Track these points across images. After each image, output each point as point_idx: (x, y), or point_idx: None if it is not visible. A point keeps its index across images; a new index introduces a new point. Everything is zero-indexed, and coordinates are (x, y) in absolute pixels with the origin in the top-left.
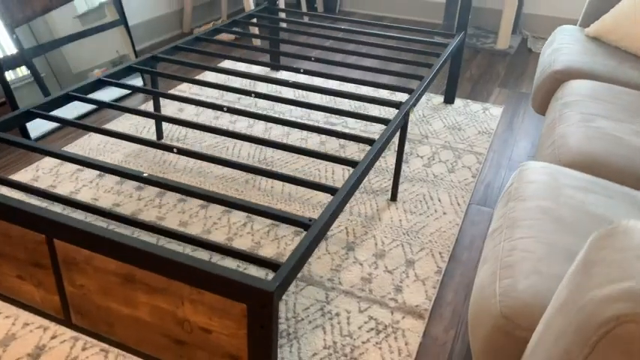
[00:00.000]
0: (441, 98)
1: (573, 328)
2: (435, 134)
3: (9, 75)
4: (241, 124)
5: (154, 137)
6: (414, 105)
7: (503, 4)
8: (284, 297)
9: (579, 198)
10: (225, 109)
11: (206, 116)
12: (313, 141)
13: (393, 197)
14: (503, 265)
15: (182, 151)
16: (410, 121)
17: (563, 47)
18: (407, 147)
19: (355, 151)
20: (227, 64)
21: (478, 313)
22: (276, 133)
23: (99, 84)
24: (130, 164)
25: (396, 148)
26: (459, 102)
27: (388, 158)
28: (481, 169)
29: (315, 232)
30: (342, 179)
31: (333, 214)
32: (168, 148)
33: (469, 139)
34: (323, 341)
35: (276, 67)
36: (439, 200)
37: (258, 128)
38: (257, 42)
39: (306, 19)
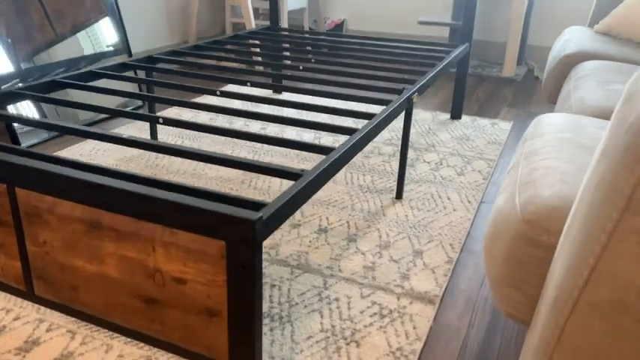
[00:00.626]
0: (447, 115)
1: (619, 156)
2: (442, 143)
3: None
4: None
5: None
6: (419, 93)
7: (508, 35)
8: (276, 282)
9: (602, 134)
10: (218, 92)
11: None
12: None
13: (399, 195)
14: (523, 183)
15: (167, 121)
16: (413, 125)
17: (573, 38)
18: (412, 154)
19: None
20: (230, 87)
21: (495, 233)
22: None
23: (90, 76)
24: (121, 167)
25: (400, 151)
26: (466, 118)
27: (393, 163)
28: (492, 172)
29: (305, 180)
30: (344, 178)
31: (325, 169)
32: (154, 119)
33: (478, 148)
34: (320, 324)
35: (279, 88)
36: (448, 199)
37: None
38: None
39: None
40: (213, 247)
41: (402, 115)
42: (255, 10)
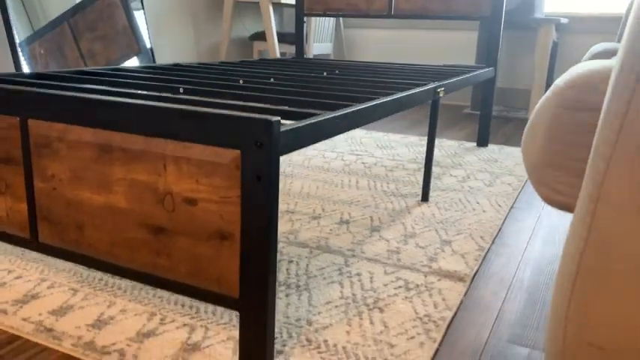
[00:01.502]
0: (473, 144)
1: None
2: (469, 163)
3: None
4: None
5: None
6: (445, 90)
7: (532, 83)
8: (294, 259)
9: None
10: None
11: None
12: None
13: (425, 198)
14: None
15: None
16: (438, 149)
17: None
18: (438, 170)
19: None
20: None
21: (535, 118)
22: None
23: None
24: None
25: (426, 150)
26: (493, 146)
27: (417, 176)
28: (523, 185)
29: (326, 116)
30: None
31: (349, 113)
32: (173, 89)
33: (507, 167)
34: (340, 293)
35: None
36: (477, 203)
37: None
38: None
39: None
40: (227, 157)
41: (424, 145)
42: (282, 55)
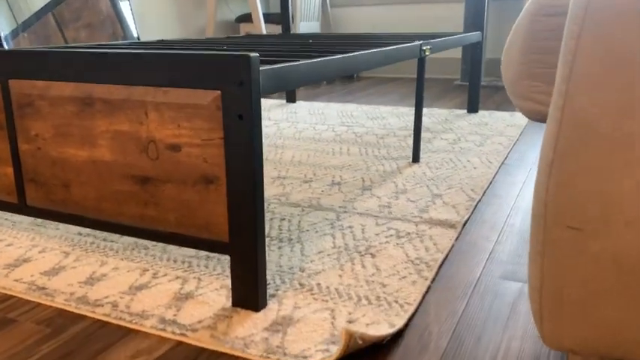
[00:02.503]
0: (464, 111)
1: None
2: (459, 127)
3: None
4: None
5: None
6: (432, 49)
7: None
8: (286, 217)
9: None
10: None
11: None
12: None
13: (415, 158)
14: None
15: None
16: (428, 117)
17: None
18: (429, 135)
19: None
20: None
21: (513, 33)
22: None
23: None
24: None
25: (415, 108)
26: (483, 112)
27: (408, 141)
28: (514, 143)
29: (308, 61)
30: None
31: (331, 60)
32: None
33: (497, 129)
34: (332, 243)
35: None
36: (468, 161)
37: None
38: None
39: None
40: (207, 98)
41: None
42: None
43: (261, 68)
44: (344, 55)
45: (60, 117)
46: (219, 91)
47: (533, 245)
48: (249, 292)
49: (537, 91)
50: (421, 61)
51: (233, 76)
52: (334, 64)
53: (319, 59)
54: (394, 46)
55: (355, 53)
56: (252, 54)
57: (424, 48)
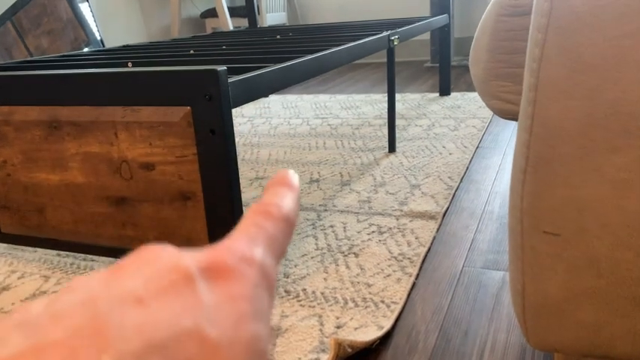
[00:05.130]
0: (436, 94)
1: None
2: (433, 112)
3: None
4: None
5: None
6: (400, 38)
7: None
8: None
9: None
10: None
11: None
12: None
13: (392, 148)
14: None
15: (137, 64)
16: (402, 103)
17: None
18: (403, 122)
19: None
20: None
21: (479, 31)
22: None
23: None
24: None
25: (387, 99)
26: (455, 94)
27: (384, 130)
28: (487, 125)
29: (276, 66)
30: (334, 145)
31: (300, 63)
32: (122, 65)
33: (470, 111)
34: (315, 245)
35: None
36: (444, 147)
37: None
38: None
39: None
40: (177, 114)
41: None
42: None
43: (229, 80)
44: (313, 55)
45: (27, 142)
46: (189, 107)
47: (513, 250)
48: None
49: (506, 91)
50: (390, 51)
51: (202, 91)
52: (303, 66)
53: (288, 63)
54: (362, 40)
55: (324, 53)
56: (220, 67)
57: (392, 38)
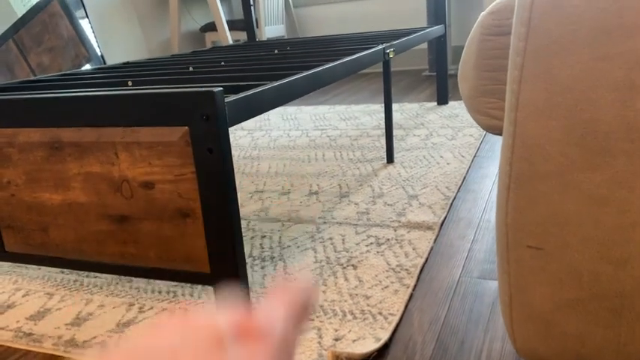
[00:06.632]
0: (434, 103)
1: None
2: (431, 122)
3: None
4: None
5: None
6: (395, 51)
7: None
8: (267, 233)
9: None
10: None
11: None
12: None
13: (390, 159)
14: None
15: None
16: (400, 113)
17: None
18: (401, 132)
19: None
20: None
21: (466, 50)
22: None
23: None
24: None
25: (384, 110)
26: (453, 103)
27: (382, 140)
28: (484, 135)
29: (273, 84)
30: (334, 157)
31: (296, 80)
32: (122, 84)
33: (468, 121)
34: (314, 258)
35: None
36: (441, 157)
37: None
38: None
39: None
40: (176, 134)
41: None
42: (236, 42)
43: (226, 100)
44: (309, 72)
45: (30, 163)
46: (186, 127)
47: (500, 263)
48: None
49: (492, 107)
50: (386, 64)
51: (199, 112)
52: (300, 83)
53: (284, 81)
54: (358, 54)
55: (320, 69)
56: (216, 88)
57: (388, 51)
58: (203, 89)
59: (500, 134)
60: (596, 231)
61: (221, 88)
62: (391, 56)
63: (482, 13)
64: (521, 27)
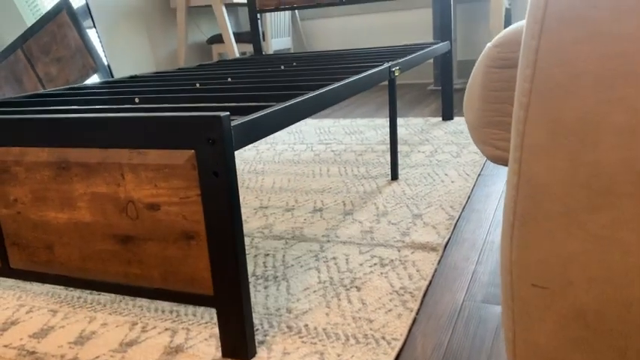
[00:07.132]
0: (439, 119)
1: None
2: (435, 138)
3: None
4: None
5: None
6: (400, 69)
7: None
8: (270, 252)
9: None
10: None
11: None
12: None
13: (394, 176)
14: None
15: (143, 101)
16: (405, 128)
17: None
18: (406, 148)
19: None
20: None
21: (472, 79)
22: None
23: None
24: None
25: (389, 127)
26: (458, 119)
27: (387, 156)
28: None
29: (279, 106)
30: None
31: (303, 101)
32: (129, 100)
33: None
34: (317, 278)
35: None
36: (446, 174)
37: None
38: None
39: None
40: (182, 157)
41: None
42: (242, 55)
43: (232, 124)
44: (314, 93)
45: (37, 182)
46: (193, 151)
47: (504, 300)
48: (237, 343)
49: (497, 138)
50: (392, 83)
51: (205, 136)
52: (305, 105)
53: (289, 103)
54: (363, 74)
55: (325, 90)
56: (223, 113)
57: (393, 69)
58: (210, 114)
59: (505, 165)
60: (602, 271)
61: (227, 113)
62: (396, 74)
63: (488, 44)
64: (527, 69)
